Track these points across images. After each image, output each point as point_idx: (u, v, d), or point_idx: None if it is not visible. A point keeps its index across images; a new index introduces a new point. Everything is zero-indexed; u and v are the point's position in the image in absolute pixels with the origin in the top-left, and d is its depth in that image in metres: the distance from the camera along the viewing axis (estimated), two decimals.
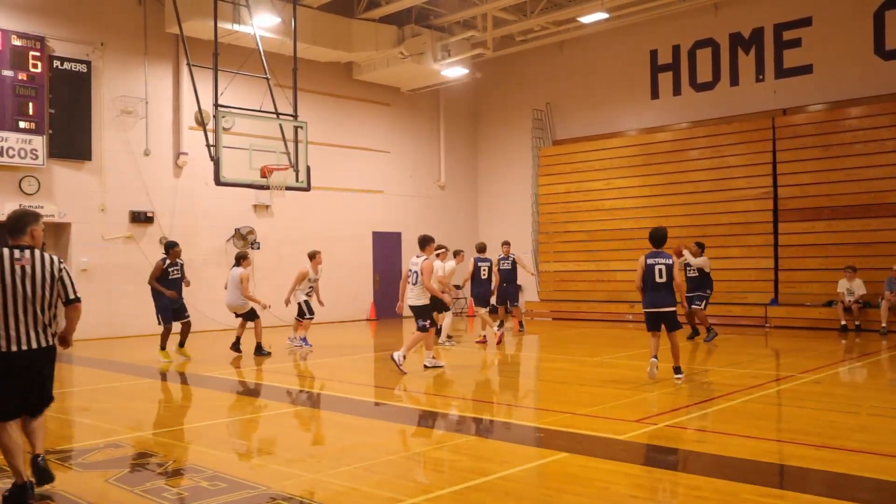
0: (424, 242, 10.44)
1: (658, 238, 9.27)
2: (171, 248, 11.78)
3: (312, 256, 13.13)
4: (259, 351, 12.14)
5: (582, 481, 5.03)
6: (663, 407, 7.43)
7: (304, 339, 13.02)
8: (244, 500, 4.74)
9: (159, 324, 11.71)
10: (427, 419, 7.50)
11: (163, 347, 11.70)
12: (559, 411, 7.46)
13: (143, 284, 15.69)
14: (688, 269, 13.42)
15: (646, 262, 9.11)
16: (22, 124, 14.03)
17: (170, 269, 11.65)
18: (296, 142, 13.45)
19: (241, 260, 12.29)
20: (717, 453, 5.74)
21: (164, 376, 10.44)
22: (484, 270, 13.88)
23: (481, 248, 14.23)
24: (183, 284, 11.91)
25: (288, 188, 13.41)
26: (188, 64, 13.25)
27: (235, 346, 12.22)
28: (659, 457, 5.69)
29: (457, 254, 13.82)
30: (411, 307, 10.16)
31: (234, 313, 12.31)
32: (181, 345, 12.01)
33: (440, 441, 6.44)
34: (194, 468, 5.49)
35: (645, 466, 5.38)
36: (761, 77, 17.39)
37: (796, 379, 9.21)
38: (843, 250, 15.53)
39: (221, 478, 5.22)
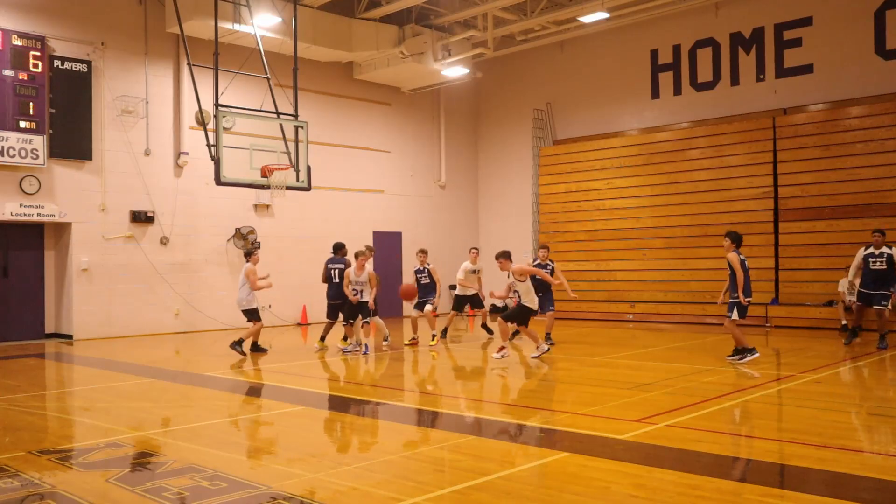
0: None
1: (741, 238, 10.66)
2: (339, 248, 12.95)
3: (355, 256, 12.35)
4: (255, 348, 12.33)
5: (582, 481, 5.03)
6: (663, 407, 7.43)
7: (358, 344, 12.38)
8: (244, 500, 4.73)
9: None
10: (427, 419, 7.50)
11: (322, 339, 12.80)
12: (559, 411, 7.46)
13: (144, 284, 15.80)
14: (871, 260, 11.78)
15: (739, 258, 10.37)
16: (22, 124, 14.04)
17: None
18: (296, 141, 13.47)
19: (248, 256, 12.42)
20: (717, 453, 5.74)
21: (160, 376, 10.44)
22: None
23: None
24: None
25: (288, 188, 13.42)
26: (189, 64, 13.27)
27: (237, 345, 12.15)
28: (659, 457, 5.69)
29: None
30: None
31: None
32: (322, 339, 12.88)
33: (440, 441, 6.43)
34: (194, 468, 5.49)
35: (645, 466, 5.38)
36: (762, 77, 17.39)
37: (797, 378, 9.21)
38: (843, 250, 15.51)
39: (222, 477, 5.22)
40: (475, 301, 13.95)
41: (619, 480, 5.01)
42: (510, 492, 4.82)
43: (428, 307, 13.15)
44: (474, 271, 13.90)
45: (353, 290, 12.15)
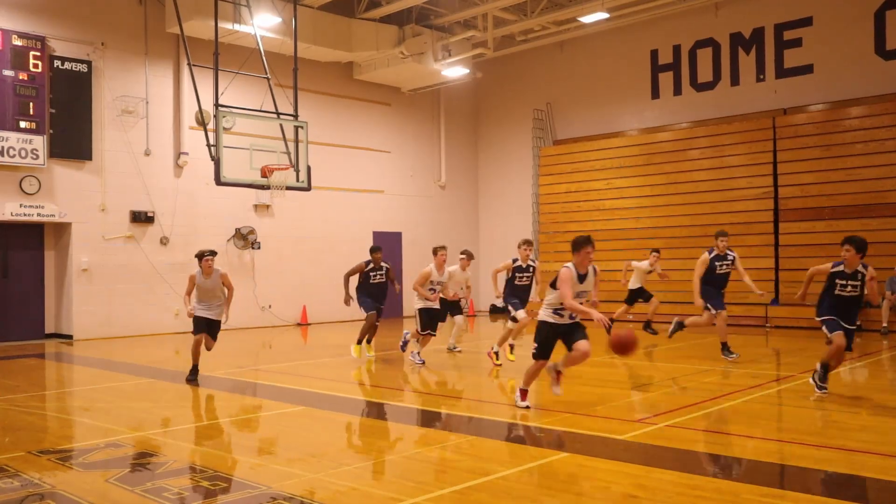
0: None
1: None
2: (374, 251, 11.60)
3: (435, 252, 10.94)
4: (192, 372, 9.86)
5: (582, 481, 5.03)
6: (663, 407, 7.43)
7: (417, 354, 10.93)
8: (244, 500, 4.74)
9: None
10: (427, 419, 7.50)
11: (359, 342, 11.57)
12: (559, 411, 7.46)
13: (144, 284, 15.80)
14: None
15: None
16: (22, 124, 14.04)
17: (371, 273, 11.54)
18: (296, 142, 13.47)
19: (199, 259, 9.65)
20: (717, 453, 5.74)
21: (165, 376, 10.43)
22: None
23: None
24: (393, 287, 11.76)
25: (288, 188, 13.42)
26: (189, 64, 13.27)
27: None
28: (659, 457, 5.69)
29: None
30: None
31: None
32: (368, 341, 11.75)
33: (440, 441, 6.43)
34: (194, 468, 5.49)
35: (645, 466, 5.38)
36: (762, 77, 17.39)
37: (796, 379, 9.20)
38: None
39: (221, 478, 5.22)
40: (644, 294, 14.36)
41: (619, 480, 5.01)
42: (510, 492, 4.82)
43: (522, 313, 10.34)
44: (649, 272, 14.23)
45: (431, 289, 10.82)
